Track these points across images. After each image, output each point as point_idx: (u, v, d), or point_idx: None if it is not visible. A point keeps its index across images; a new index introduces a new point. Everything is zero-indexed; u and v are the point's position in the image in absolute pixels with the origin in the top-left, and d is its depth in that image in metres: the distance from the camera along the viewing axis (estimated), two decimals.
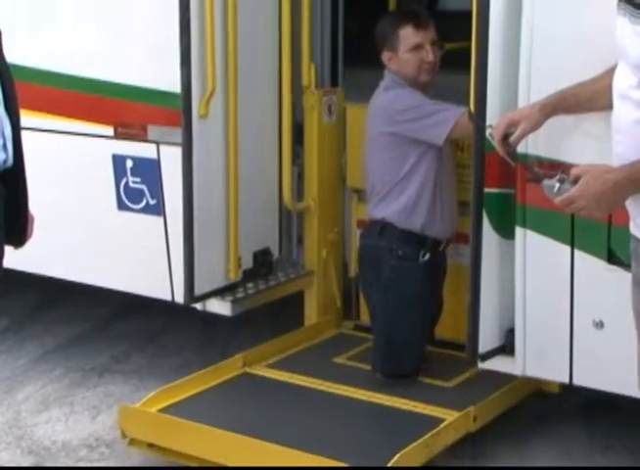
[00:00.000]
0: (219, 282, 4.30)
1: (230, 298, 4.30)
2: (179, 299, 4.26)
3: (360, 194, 4.56)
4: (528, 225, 3.40)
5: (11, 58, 3.10)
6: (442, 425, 3.64)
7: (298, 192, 4.59)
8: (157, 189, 4.27)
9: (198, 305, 4.28)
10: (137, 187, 4.34)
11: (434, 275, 4.13)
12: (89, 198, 4.48)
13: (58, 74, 4.39)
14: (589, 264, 3.32)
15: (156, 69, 4.16)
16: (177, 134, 4.07)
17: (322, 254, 4.61)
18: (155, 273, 4.33)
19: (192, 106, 4.02)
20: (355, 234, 4.59)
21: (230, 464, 3.57)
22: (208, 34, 4.00)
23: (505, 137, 3.11)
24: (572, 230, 3.32)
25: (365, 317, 4.50)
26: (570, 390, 3.65)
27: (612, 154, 2.58)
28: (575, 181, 2.52)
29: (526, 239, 3.42)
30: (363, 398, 3.97)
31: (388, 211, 4.06)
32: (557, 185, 2.56)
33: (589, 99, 2.96)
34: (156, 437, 3.74)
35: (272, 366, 4.26)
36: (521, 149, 3.28)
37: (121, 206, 4.39)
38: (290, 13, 4.29)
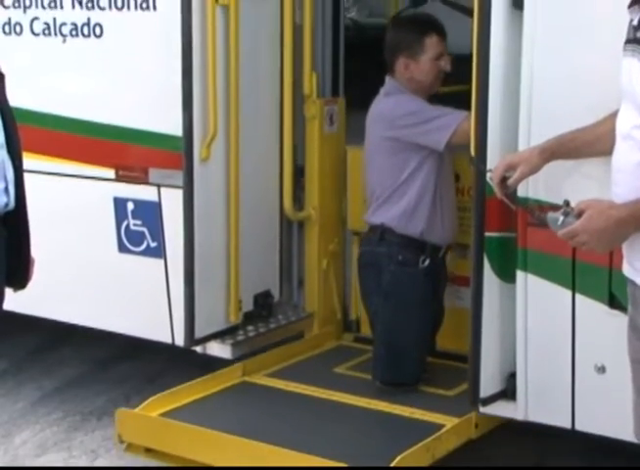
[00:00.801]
0: (219, 325, 4.29)
1: (230, 341, 4.29)
2: (179, 341, 4.24)
3: (360, 237, 4.56)
4: (530, 269, 3.39)
5: (14, 100, 3.12)
6: (444, 430, 3.63)
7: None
8: (157, 231, 4.27)
9: (198, 348, 4.27)
10: (138, 229, 4.34)
11: (434, 281, 4.11)
12: (90, 240, 4.48)
13: (60, 117, 4.41)
14: (591, 309, 3.31)
15: (157, 111, 4.18)
16: (178, 177, 4.08)
17: (322, 264, 4.60)
18: (155, 316, 4.32)
19: (193, 149, 4.04)
20: (357, 275, 4.59)
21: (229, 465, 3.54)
22: (210, 78, 4.03)
23: (504, 180, 3.11)
24: (574, 274, 3.31)
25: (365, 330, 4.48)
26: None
27: (611, 195, 2.58)
28: (579, 215, 2.52)
29: (528, 283, 3.41)
30: (363, 405, 3.95)
31: (387, 216, 4.05)
32: (561, 218, 2.56)
33: (588, 144, 2.96)
34: (153, 441, 3.71)
35: (271, 375, 4.24)
36: (521, 192, 3.28)
37: (122, 248, 4.39)
38: (291, 54, 4.34)
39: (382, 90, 4.15)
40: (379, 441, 3.70)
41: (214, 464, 3.58)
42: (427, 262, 4.03)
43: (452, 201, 4.13)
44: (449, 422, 3.72)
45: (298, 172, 4.56)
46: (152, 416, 3.75)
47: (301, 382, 4.15)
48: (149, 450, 3.74)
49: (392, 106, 4.05)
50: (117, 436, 3.75)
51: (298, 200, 4.56)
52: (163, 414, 3.80)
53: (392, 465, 3.33)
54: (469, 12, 3.80)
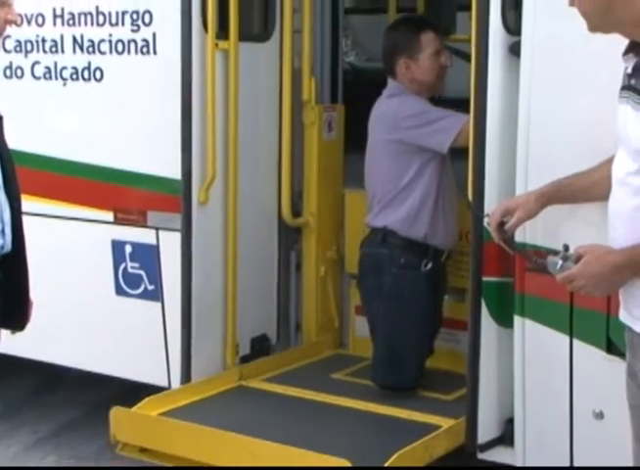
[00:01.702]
0: (216, 368, 4.26)
1: None
2: (176, 385, 4.22)
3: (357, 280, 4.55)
4: (527, 314, 3.39)
5: (14, 143, 3.13)
6: (442, 429, 3.62)
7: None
8: (155, 275, 4.27)
9: None
10: (136, 272, 4.34)
11: (435, 286, 4.09)
12: (87, 282, 4.47)
13: (60, 160, 4.43)
14: (588, 354, 3.30)
15: (156, 155, 4.20)
16: (177, 220, 4.09)
17: (320, 271, 4.58)
18: (152, 359, 4.30)
19: (192, 192, 4.05)
20: (354, 319, 4.58)
21: (225, 464, 3.50)
22: (209, 122, 4.05)
23: (501, 225, 3.12)
24: (571, 320, 3.30)
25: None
26: None
27: (608, 239, 2.58)
28: (578, 260, 2.52)
29: (525, 328, 3.40)
30: (361, 407, 3.93)
31: (390, 218, 4.03)
32: (559, 262, 2.57)
33: (585, 189, 2.97)
34: (149, 440, 3.68)
35: (268, 380, 4.22)
36: (518, 237, 3.29)
37: (119, 291, 4.38)
38: (290, 98, 4.37)
39: (384, 92, 4.13)
40: (376, 439, 3.68)
41: (211, 462, 3.53)
42: (429, 266, 4.02)
43: (454, 204, 4.10)
44: (447, 424, 3.70)
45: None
46: (147, 414, 3.71)
47: (299, 386, 4.12)
48: (143, 450, 3.70)
49: (396, 107, 4.02)
50: (112, 435, 3.71)
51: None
52: (159, 415, 3.77)
53: (390, 462, 3.31)
54: (466, 56, 3.84)
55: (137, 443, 3.70)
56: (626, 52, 2.45)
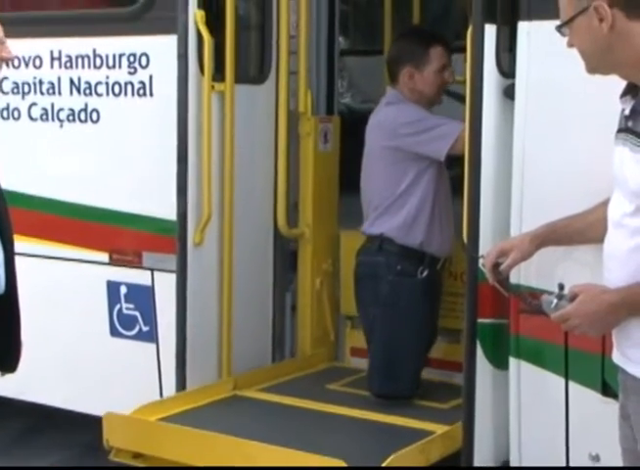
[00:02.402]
0: None
1: None
2: None
3: (354, 321, 4.54)
4: (522, 356, 3.38)
5: (9, 184, 3.13)
6: (438, 433, 3.61)
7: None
8: (150, 316, 4.26)
9: None
10: (130, 313, 4.33)
11: (432, 294, 4.07)
12: (82, 323, 4.46)
13: (55, 201, 4.44)
14: (584, 396, 3.29)
15: (152, 196, 4.21)
16: (172, 261, 4.09)
17: (315, 284, 4.56)
18: (146, 400, 4.27)
19: (187, 234, 4.06)
20: (349, 361, 4.56)
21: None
22: (205, 164, 4.06)
23: (496, 266, 3.12)
24: (566, 362, 3.30)
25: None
26: None
27: (603, 280, 2.58)
28: (573, 299, 2.52)
29: (521, 370, 3.39)
30: (357, 415, 3.90)
31: (386, 226, 4.03)
32: (554, 301, 2.56)
33: (580, 232, 2.98)
34: (142, 445, 3.65)
35: (263, 390, 4.19)
36: (513, 279, 3.29)
37: (114, 332, 4.37)
38: (286, 138, 4.39)
39: (382, 100, 4.15)
40: (372, 444, 3.66)
41: (207, 465, 3.51)
42: (425, 273, 4.01)
43: (450, 212, 4.11)
44: (443, 430, 3.69)
45: (292, 257, 4.56)
46: (141, 418, 3.69)
47: (294, 396, 4.10)
48: (137, 456, 3.66)
49: (394, 115, 4.04)
50: (105, 441, 3.67)
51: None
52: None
53: (385, 464, 3.29)
54: (461, 98, 3.86)
55: (130, 448, 3.67)
56: (624, 94, 2.47)
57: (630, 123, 2.42)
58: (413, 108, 4.05)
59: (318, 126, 4.55)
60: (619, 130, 2.49)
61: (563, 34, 2.46)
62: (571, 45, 2.46)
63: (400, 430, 3.77)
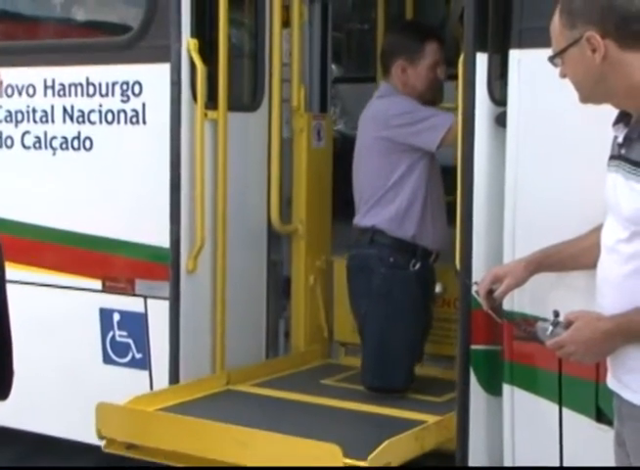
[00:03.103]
0: None
1: None
2: None
3: (347, 348, 4.54)
4: (516, 383, 3.38)
5: (1, 211, 3.13)
6: (432, 421, 3.61)
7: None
8: (143, 343, 4.25)
9: None
10: (123, 341, 4.32)
11: (424, 287, 4.05)
12: (75, 351, 4.45)
13: (48, 228, 4.43)
14: (578, 423, 3.28)
15: (144, 223, 4.21)
16: (165, 288, 4.09)
17: (309, 280, 4.56)
18: None
19: (180, 261, 4.06)
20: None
21: (217, 457, 3.45)
22: (198, 191, 4.07)
23: (490, 292, 3.12)
24: (560, 388, 3.29)
25: None
26: None
27: (596, 306, 2.59)
28: (568, 326, 2.52)
29: (514, 396, 3.38)
30: (352, 407, 3.89)
31: (378, 218, 4.02)
32: (550, 328, 2.57)
33: (573, 258, 2.99)
34: (135, 435, 3.62)
35: (257, 385, 4.18)
36: (507, 305, 3.29)
37: (107, 359, 4.36)
38: (279, 166, 4.42)
39: (375, 94, 4.16)
40: (366, 432, 3.63)
41: (201, 454, 3.48)
42: (417, 266, 4.00)
43: (442, 206, 4.10)
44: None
45: (285, 283, 4.55)
46: (134, 408, 3.67)
47: (288, 390, 4.08)
48: (130, 447, 3.65)
49: (386, 107, 4.05)
50: (97, 431, 3.65)
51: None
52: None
53: (379, 450, 3.26)
54: None
55: (123, 438, 3.65)
56: (616, 122, 2.49)
57: (623, 151, 2.44)
58: (405, 100, 4.06)
59: (311, 123, 4.56)
60: (612, 157, 2.51)
61: (555, 65, 2.48)
62: (563, 75, 2.48)
63: (395, 420, 3.75)
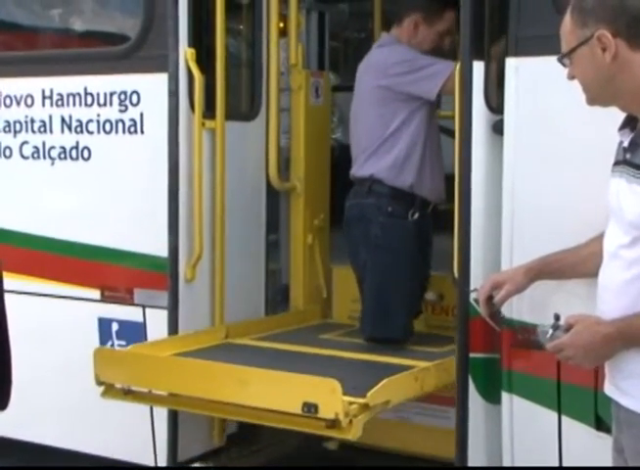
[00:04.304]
0: (203, 447, 4.23)
1: (214, 463, 4.21)
2: (162, 464, 4.17)
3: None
4: (514, 391, 3.37)
5: (1, 222, 3.13)
6: (432, 364, 3.60)
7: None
8: None
9: None
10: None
11: (423, 237, 4.03)
12: (73, 361, 4.43)
13: (46, 238, 4.43)
14: (577, 431, 3.27)
15: (143, 233, 4.21)
16: (163, 298, 4.08)
17: (308, 239, 4.54)
18: (138, 438, 4.26)
19: (178, 270, 4.06)
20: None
21: (218, 397, 3.46)
22: (196, 200, 4.07)
23: (489, 299, 3.12)
24: (559, 396, 3.29)
25: None
26: None
27: (596, 312, 2.59)
28: (568, 329, 2.52)
29: (513, 404, 3.38)
30: (352, 356, 3.89)
31: (377, 167, 4.00)
32: (550, 331, 2.57)
33: (572, 265, 2.99)
34: (135, 378, 3.61)
35: (256, 339, 4.17)
36: (505, 313, 3.29)
37: None
38: (277, 174, 4.40)
39: (374, 45, 4.15)
40: (366, 374, 3.63)
41: (200, 395, 3.49)
42: (416, 216, 3.98)
43: (440, 158, 4.07)
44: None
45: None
46: (132, 352, 3.68)
47: (288, 343, 4.08)
48: (128, 393, 3.65)
49: (385, 55, 4.04)
50: (95, 376, 3.65)
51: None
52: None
53: (378, 387, 3.26)
54: (451, 133, 3.88)
55: (122, 382, 3.64)
56: (623, 127, 2.49)
57: (629, 155, 2.44)
58: (404, 48, 4.06)
59: (309, 80, 4.54)
60: (617, 162, 2.51)
61: (564, 65, 2.46)
62: (572, 77, 2.47)
63: (394, 366, 3.72)
